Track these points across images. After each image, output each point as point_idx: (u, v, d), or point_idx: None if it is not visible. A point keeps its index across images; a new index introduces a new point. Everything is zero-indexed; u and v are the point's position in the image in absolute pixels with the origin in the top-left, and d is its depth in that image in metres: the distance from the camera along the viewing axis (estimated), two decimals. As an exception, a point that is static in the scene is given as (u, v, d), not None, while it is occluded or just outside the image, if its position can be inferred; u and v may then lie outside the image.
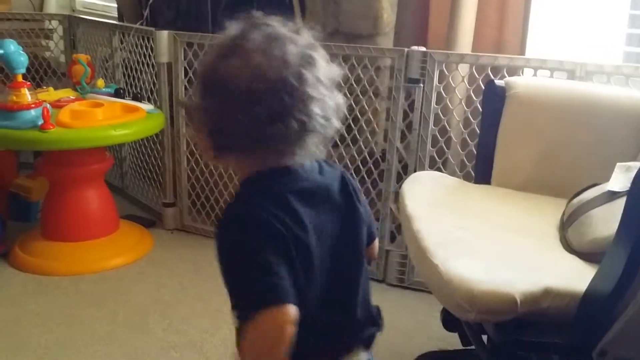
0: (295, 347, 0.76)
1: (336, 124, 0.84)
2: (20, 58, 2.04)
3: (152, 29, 2.38)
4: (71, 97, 2.33)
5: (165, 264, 2.27)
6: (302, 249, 0.81)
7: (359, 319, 0.90)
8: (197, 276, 2.18)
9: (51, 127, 2.01)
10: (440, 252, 1.22)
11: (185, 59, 2.35)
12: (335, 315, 0.87)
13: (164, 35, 2.35)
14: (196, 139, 0.88)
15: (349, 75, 2.15)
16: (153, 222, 2.58)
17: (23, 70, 2.06)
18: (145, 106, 2.29)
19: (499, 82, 1.70)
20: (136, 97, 2.35)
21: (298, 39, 0.82)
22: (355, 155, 2.22)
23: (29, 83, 2.08)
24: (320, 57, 0.83)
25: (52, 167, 2.22)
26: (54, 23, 3.09)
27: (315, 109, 0.81)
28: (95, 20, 2.83)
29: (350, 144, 2.20)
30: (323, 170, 0.89)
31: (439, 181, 1.63)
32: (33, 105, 2.05)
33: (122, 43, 2.64)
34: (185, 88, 2.38)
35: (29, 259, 2.20)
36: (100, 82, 2.40)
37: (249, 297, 0.78)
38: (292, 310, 0.76)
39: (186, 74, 2.37)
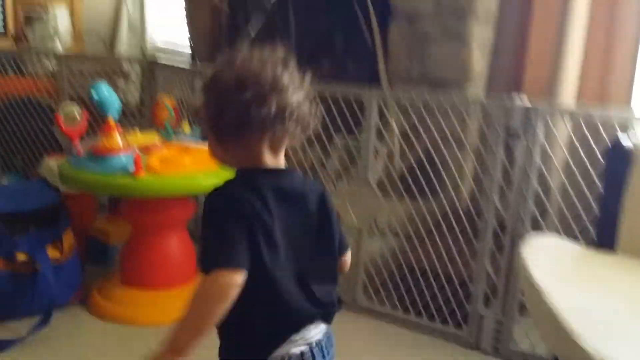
0: (265, 313, 0.99)
1: (309, 123, 1.04)
2: (113, 102, 2.02)
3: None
4: (156, 141, 2.29)
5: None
6: (266, 231, 0.98)
7: (322, 302, 1.05)
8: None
9: (142, 173, 1.97)
10: (590, 335, 1.10)
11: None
12: (303, 294, 1.03)
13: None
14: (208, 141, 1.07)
15: (429, 123, 2.08)
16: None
17: (115, 115, 2.03)
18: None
19: (624, 139, 1.59)
20: (221, 143, 2.30)
21: (275, 54, 1.03)
22: (436, 209, 2.12)
23: (119, 127, 2.06)
24: (292, 68, 1.03)
25: (136, 212, 2.17)
26: (132, 65, 3.11)
27: (290, 99, 1.00)
28: (175, 67, 2.82)
29: (430, 197, 2.11)
30: (304, 182, 1.08)
31: (562, 248, 1.51)
32: (124, 151, 2.02)
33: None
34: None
35: (109, 306, 2.14)
36: (186, 127, 2.36)
37: (210, 256, 0.96)
38: (239, 275, 0.93)
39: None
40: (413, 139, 2.21)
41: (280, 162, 1.06)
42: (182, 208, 2.18)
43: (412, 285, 2.15)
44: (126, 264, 2.22)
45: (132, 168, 1.98)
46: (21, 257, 2.00)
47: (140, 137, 2.26)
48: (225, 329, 1.01)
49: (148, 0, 4.71)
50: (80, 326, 2.07)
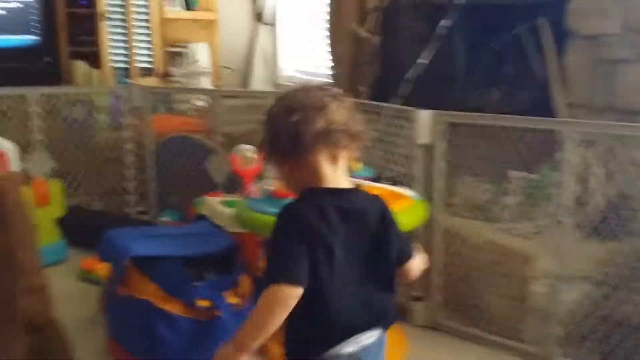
0: (320, 320, 1.10)
1: (359, 135, 1.15)
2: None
3: (412, 108, 2.22)
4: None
5: (427, 368, 2.03)
6: (326, 248, 1.09)
7: (377, 310, 1.16)
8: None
9: (324, 216, 1.87)
10: None
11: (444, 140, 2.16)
12: (359, 304, 1.14)
13: (425, 115, 2.17)
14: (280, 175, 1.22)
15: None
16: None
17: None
18: (409, 193, 2.10)
19: None
20: (394, 182, 2.18)
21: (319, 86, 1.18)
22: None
23: (299, 169, 1.97)
24: (337, 92, 1.16)
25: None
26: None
27: (336, 116, 1.12)
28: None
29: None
30: (365, 199, 1.19)
31: None
32: (303, 193, 1.93)
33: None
34: (450, 172, 2.18)
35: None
36: (356, 164, 2.25)
37: (273, 270, 1.08)
38: (297, 289, 1.06)
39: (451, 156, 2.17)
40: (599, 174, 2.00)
41: (340, 176, 1.17)
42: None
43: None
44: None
45: (313, 211, 1.88)
46: (202, 303, 1.94)
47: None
48: (286, 330, 1.15)
49: (280, 32, 4.75)
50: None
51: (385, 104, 2.35)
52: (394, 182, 2.19)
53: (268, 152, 1.17)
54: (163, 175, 3.23)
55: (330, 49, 3.62)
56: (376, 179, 2.16)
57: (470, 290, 2.18)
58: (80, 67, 3.68)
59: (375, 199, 1.22)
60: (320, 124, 1.11)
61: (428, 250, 2.24)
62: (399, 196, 2.04)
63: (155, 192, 3.28)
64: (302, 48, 4.52)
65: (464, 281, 2.19)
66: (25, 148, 2.96)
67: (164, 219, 3.00)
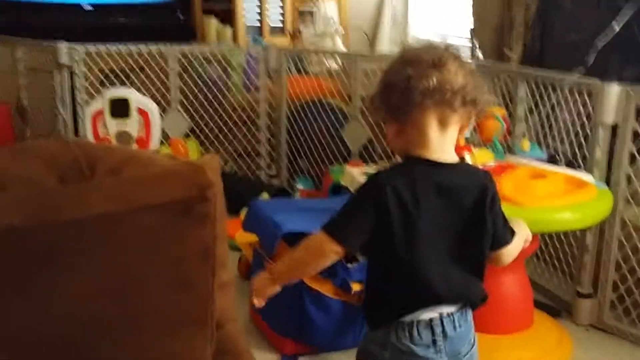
0: (400, 289, 1.11)
1: (477, 101, 1.10)
2: (465, 119, 1.74)
3: (597, 81, 1.95)
4: (491, 162, 1.99)
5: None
6: (406, 220, 1.08)
7: (460, 291, 1.14)
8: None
9: (499, 203, 1.67)
10: None
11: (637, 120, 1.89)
12: (442, 281, 1.11)
13: (613, 90, 1.90)
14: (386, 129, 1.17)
15: None
16: (558, 312, 2.14)
17: (467, 133, 1.75)
18: (591, 179, 1.86)
19: None
20: (571, 165, 1.94)
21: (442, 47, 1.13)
22: None
23: (469, 147, 1.78)
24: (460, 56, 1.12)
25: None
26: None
27: (452, 77, 1.08)
28: (492, 64, 2.49)
29: None
30: (467, 176, 1.16)
31: None
32: (473, 174, 1.74)
33: (539, 96, 2.25)
34: (632, 158, 1.91)
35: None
36: (526, 143, 2.03)
37: (328, 220, 1.11)
38: (338, 247, 1.09)
39: (635, 138, 1.90)
40: None
41: (448, 145, 1.12)
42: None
43: None
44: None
45: (485, 196, 1.69)
46: (355, 287, 1.82)
47: (476, 155, 1.97)
48: (368, 291, 1.19)
49: (411, -8, 4.47)
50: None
51: (565, 75, 2.08)
52: (569, 165, 1.94)
53: (376, 106, 1.15)
54: (296, 139, 3.12)
55: (473, 8, 3.34)
56: (552, 161, 1.92)
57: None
58: (213, 24, 3.60)
59: (480, 175, 1.17)
60: (433, 80, 1.07)
61: (601, 242, 2.02)
62: (581, 183, 1.81)
63: (287, 157, 3.19)
64: (438, 6, 4.23)
65: (641, 281, 1.94)
66: (161, 107, 2.93)
67: (299, 186, 2.89)
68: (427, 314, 1.12)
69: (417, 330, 1.11)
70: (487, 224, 1.13)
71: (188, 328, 0.87)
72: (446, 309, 1.13)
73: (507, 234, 1.19)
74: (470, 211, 1.12)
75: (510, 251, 1.21)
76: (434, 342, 1.12)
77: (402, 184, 1.08)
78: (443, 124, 1.11)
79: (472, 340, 1.19)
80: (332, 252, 1.09)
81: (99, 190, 0.78)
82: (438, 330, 1.12)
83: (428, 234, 1.09)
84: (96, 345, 0.84)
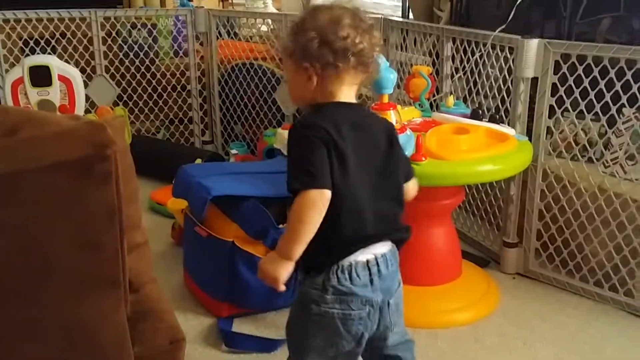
0: (338, 226, 1.15)
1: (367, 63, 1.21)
2: (389, 76, 1.75)
3: (517, 37, 1.99)
4: (417, 118, 2.02)
5: (525, 321, 1.89)
6: (340, 154, 1.14)
7: (389, 221, 1.24)
8: (573, 342, 1.78)
9: (423, 158, 1.70)
10: None
11: (556, 74, 1.94)
12: (372, 211, 1.19)
13: (532, 44, 1.94)
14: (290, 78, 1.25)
15: None
16: (487, 262, 2.21)
17: (390, 90, 1.77)
18: (513, 132, 1.91)
19: None
20: (494, 120, 1.98)
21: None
22: None
23: (394, 104, 1.80)
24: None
25: (399, 199, 1.92)
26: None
27: (374, 45, 1.22)
28: (420, 24, 2.50)
29: None
30: (372, 116, 1.33)
31: None
32: (398, 132, 1.75)
33: (463, 53, 2.28)
34: (551, 108, 1.97)
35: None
36: (450, 100, 2.06)
37: (300, 180, 1.12)
38: (326, 193, 1.11)
39: (554, 91, 1.95)
40: None
41: (353, 93, 1.23)
42: (449, 195, 1.90)
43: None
44: (386, 255, 2.00)
45: (409, 152, 1.72)
46: (286, 247, 1.83)
47: (402, 113, 1.99)
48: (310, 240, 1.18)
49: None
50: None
51: (486, 32, 2.11)
52: (491, 119, 1.99)
53: (299, 57, 1.18)
54: (229, 104, 3.08)
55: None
56: (474, 116, 1.96)
57: (570, 238, 2.01)
58: (140, -13, 3.49)
59: (380, 117, 1.34)
60: (365, 44, 1.17)
61: (524, 193, 2.08)
62: (502, 136, 1.86)
63: (220, 122, 3.15)
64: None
65: (563, 228, 2.02)
66: (87, 75, 2.84)
67: (233, 151, 2.87)
68: (364, 256, 1.19)
69: (356, 271, 1.19)
70: (399, 157, 1.27)
71: (97, 288, 0.86)
72: (380, 250, 1.21)
73: (410, 166, 1.35)
74: (384, 146, 1.23)
75: (415, 184, 1.34)
76: (371, 281, 1.20)
77: (326, 122, 1.15)
78: (356, 78, 1.23)
79: (400, 278, 1.28)
80: (324, 200, 1.11)
81: (-10, 151, 0.76)
82: (374, 269, 1.20)
83: (358, 168, 1.17)
84: (3, 307, 0.82)
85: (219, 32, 3.02)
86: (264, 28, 3.29)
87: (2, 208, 0.76)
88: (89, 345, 0.88)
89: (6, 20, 2.64)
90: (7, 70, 2.59)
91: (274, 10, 3.69)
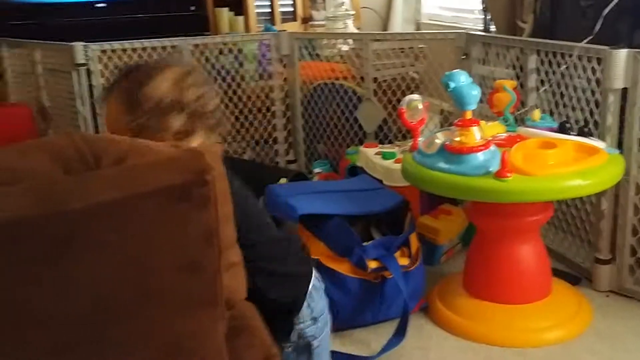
0: None
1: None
2: (471, 92, 1.75)
3: (605, 47, 1.94)
4: (502, 133, 2.00)
5: (619, 340, 1.82)
6: None
7: None
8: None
9: (508, 174, 1.68)
10: None
11: (646, 85, 1.87)
12: None
13: (621, 55, 1.89)
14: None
15: None
16: (578, 279, 2.15)
17: (474, 106, 1.77)
18: (602, 145, 1.86)
19: None
20: (582, 133, 1.93)
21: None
22: None
23: (477, 120, 1.79)
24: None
25: (485, 215, 1.91)
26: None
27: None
28: (503, 37, 2.48)
29: None
30: None
31: None
32: (482, 147, 1.75)
33: (542, 64, 2.24)
34: (644, 121, 1.90)
35: (455, 318, 1.92)
36: (536, 114, 2.02)
37: None
38: None
39: (646, 102, 1.88)
40: None
41: None
42: (538, 212, 1.87)
43: None
44: (472, 272, 1.98)
45: (494, 168, 1.71)
46: (372, 264, 1.85)
47: (486, 129, 1.98)
48: None
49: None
50: (430, 341, 1.88)
51: (572, 43, 2.07)
52: (580, 133, 1.94)
53: (118, 102, 1.19)
54: (311, 124, 3.15)
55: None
56: (562, 130, 1.92)
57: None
58: (225, 14, 3.64)
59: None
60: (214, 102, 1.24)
61: (617, 208, 2.01)
62: (592, 150, 1.81)
63: (303, 142, 3.22)
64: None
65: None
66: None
67: (317, 170, 2.93)
68: None
69: None
70: None
71: (197, 307, 0.92)
72: None
73: None
74: None
75: None
76: None
77: None
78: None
79: None
80: None
81: (102, 179, 0.83)
82: None
83: None
84: (111, 327, 0.88)
85: (301, 54, 3.10)
86: (344, 48, 3.35)
87: (113, 232, 0.83)
88: (192, 359, 0.93)
89: (103, 51, 2.82)
90: (105, 98, 2.76)
91: (354, 30, 3.75)
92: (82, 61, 2.75)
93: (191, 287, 0.91)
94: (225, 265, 0.97)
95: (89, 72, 2.78)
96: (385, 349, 1.78)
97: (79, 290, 0.86)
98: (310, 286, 1.30)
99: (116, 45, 2.82)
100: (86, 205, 0.80)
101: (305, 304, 1.28)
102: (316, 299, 1.30)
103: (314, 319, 1.29)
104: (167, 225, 0.85)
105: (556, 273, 2.10)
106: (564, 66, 2.11)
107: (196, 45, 2.98)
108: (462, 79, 1.76)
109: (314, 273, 1.34)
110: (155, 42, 2.90)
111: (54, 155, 0.85)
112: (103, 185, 0.81)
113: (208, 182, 0.85)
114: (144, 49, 2.87)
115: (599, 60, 1.98)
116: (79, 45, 2.74)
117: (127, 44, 2.84)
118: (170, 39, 2.94)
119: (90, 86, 2.80)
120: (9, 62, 3.18)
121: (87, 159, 0.86)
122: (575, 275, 2.16)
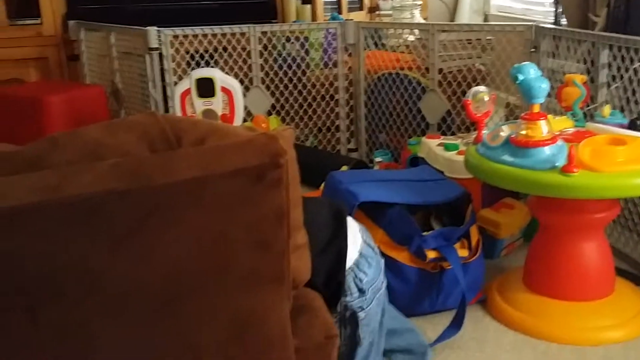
0: None
1: None
2: (540, 85, 1.74)
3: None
4: (569, 128, 1.97)
5: (684, 345, 1.78)
6: None
7: None
8: None
9: (575, 170, 1.67)
10: None
11: None
12: None
13: (699, 52, 1.83)
14: None
15: None
16: (642, 279, 2.10)
17: (541, 100, 1.75)
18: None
19: None
20: (653, 130, 1.89)
21: None
22: None
23: (545, 114, 1.78)
24: None
25: (549, 210, 1.89)
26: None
27: None
28: (574, 31, 2.43)
29: None
30: None
31: None
32: (549, 141, 1.74)
33: (614, 59, 2.19)
34: None
35: (514, 313, 1.91)
36: (606, 110, 1.99)
37: None
38: None
39: None
40: None
41: None
42: (606, 210, 1.84)
43: None
44: (533, 267, 1.97)
45: (560, 162, 1.69)
46: (431, 254, 1.87)
47: (554, 123, 1.96)
48: None
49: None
50: (486, 333, 1.88)
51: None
52: (652, 130, 1.89)
53: None
54: (374, 113, 3.17)
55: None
56: (633, 126, 1.88)
57: None
58: (293, 2, 3.68)
59: None
60: None
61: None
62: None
63: (365, 131, 3.24)
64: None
65: None
66: (244, 85, 3.04)
67: (378, 159, 2.95)
68: None
69: None
70: None
71: (266, 284, 0.96)
72: None
73: None
74: None
75: None
76: None
77: None
78: None
79: None
80: None
81: (184, 158, 0.88)
82: None
83: None
84: (184, 300, 0.94)
85: (367, 43, 3.11)
86: (410, 38, 3.34)
87: (192, 208, 0.88)
88: (258, 333, 0.98)
89: (175, 37, 2.91)
90: (175, 83, 2.85)
91: (421, 20, 3.73)
92: (155, 45, 2.85)
93: (261, 264, 0.96)
94: (292, 246, 1.01)
95: (161, 56, 2.88)
96: (441, 338, 1.79)
97: (157, 263, 0.92)
98: (357, 255, 1.25)
99: (187, 30, 2.91)
100: (169, 182, 0.85)
101: (350, 276, 1.23)
102: (365, 268, 1.26)
103: (361, 291, 1.25)
104: (243, 205, 0.90)
105: (620, 272, 2.06)
106: (638, 63, 2.06)
107: (264, 33, 3.03)
108: (531, 71, 1.74)
109: (369, 242, 1.29)
110: (225, 29, 2.97)
111: (139, 134, 0.91)
112: (185, 164, 0.87)
113: (282, 165, 0.89)
114: (214, 35, 2.94)
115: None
116: (153, 30, 2.83)
117: (197, 30, 2.92)
118: (239, 25, 3.00)
119: (162, 70, 2.90)
120: (86, 45, 3.32)
121: (169, 139, 0.92)
122: (639, 276, 2.11)
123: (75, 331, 0.91)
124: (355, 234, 1.28)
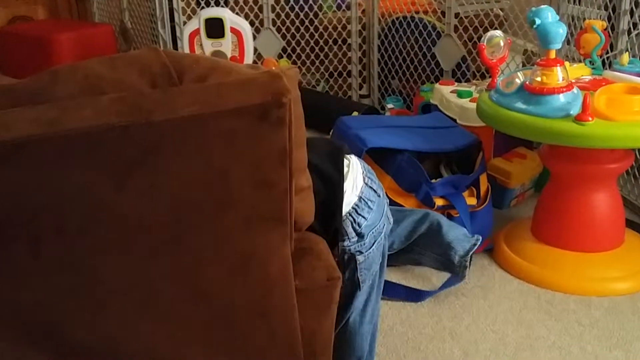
0: None
1: None
2: (557, 30, 1.68)
3: None
4: (586, 76, 1.92)
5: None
6: None
7: None
8: None
9: (589, 118, 1.63)
10: None
11: None
12: None
13: None
14: None
15: None
16: (652, 232, 2.08)
17: (558, 46, 1.70)
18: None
19: None
20: (673, 80, 1.83)
21: None
22: None
23: (562, 60, 1.72)
24: None
25: (560, 160, 1.86)
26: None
27: None
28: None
29: None
30: None
31: None
32: (564, 89, 1.69)
33: (636, 6, 2.12)
34: None
35: (521, 263, 1.91)
36: (625, 58, 1.93)
37: None
38: None
39: None
40: None
41: None
42: (619, 160, 1.80)
43: None
44: (542, 217, 1.95)
45: (575, 111, 1.65)
46: (439, 202, 1.85)
47: (571, 70, 1.90)
48: None
49: None
50: (491, 281, 1.88)
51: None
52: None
53: None
54: (387, 58, 3.10)
55: None
56: (651, 75, 1.83)
57: None
58: (306, -59, 3.57)
59: None
60: None
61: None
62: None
63: (378, 76, 3.18)
64: None
65: None
66: (255, 27, 2.98)
67: (389, 105, 2.90)
68: None
69: None
70: None
71: (268, 223, 0.95)
72: None
73: None
74: None
75: None
76: None
77: None
78: None
79: None
80: None
81: (186, 94, 0.86)
82: None
83: None
84: (189, 234, 0.93)
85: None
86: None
87: (195, 145, 0.86)
88: (259, 272, 0.98)
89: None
90: (184, 22, 2.80)
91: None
92: (165, -16, 2.79)
93: (263, 203, 0.94)
94: (296, 188, 1.00)
95: (170, -4, 2.83)
96: (446, 285, 1.80)
97: (160, 197, 0.91)
98: (355, 199, 1.20)
99: (198, -31, 2.84)
100: (170, 117, 0.83)
101: (349, 220, 1.20)
102: (365, 212, 1.22)
103: (360, 235, 1.22)
104: (245, 143, 0.88)
105: (630, 225, 2.04)
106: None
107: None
108: (548, 15, 1.68)
109: (371, 184, 1.24)
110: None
111: (141, 69, 0.88)
112: (187, 100, 0.84)
113: (285, 104, 0.87)
114: (224, -26, 2.87)
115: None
116: (162, -32, 2.77)
117: (208, -31, 2.85)
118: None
119: (171, 9, 2.84)
120: (95, -17, 3.26)
121: (171, 75, 0.89)
122: (648, 227, 2.09)
123: (77, 264, 0.91)
124: (357, 177, 1.23)
